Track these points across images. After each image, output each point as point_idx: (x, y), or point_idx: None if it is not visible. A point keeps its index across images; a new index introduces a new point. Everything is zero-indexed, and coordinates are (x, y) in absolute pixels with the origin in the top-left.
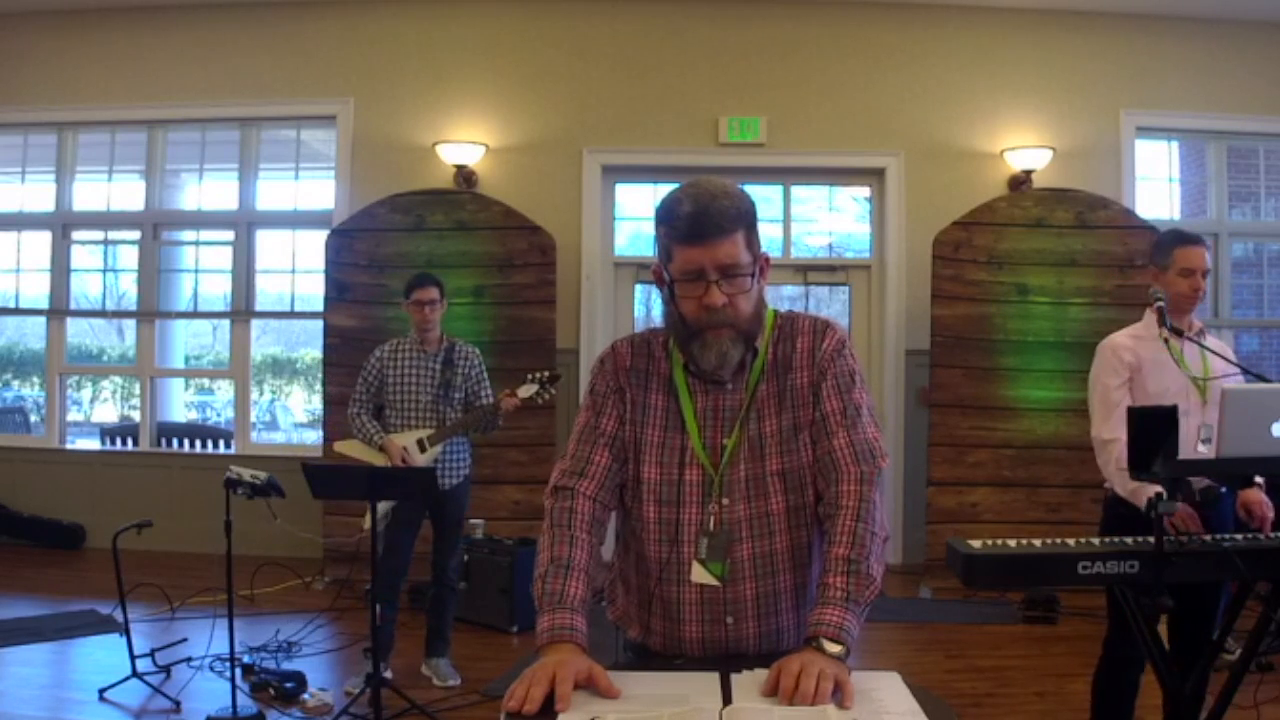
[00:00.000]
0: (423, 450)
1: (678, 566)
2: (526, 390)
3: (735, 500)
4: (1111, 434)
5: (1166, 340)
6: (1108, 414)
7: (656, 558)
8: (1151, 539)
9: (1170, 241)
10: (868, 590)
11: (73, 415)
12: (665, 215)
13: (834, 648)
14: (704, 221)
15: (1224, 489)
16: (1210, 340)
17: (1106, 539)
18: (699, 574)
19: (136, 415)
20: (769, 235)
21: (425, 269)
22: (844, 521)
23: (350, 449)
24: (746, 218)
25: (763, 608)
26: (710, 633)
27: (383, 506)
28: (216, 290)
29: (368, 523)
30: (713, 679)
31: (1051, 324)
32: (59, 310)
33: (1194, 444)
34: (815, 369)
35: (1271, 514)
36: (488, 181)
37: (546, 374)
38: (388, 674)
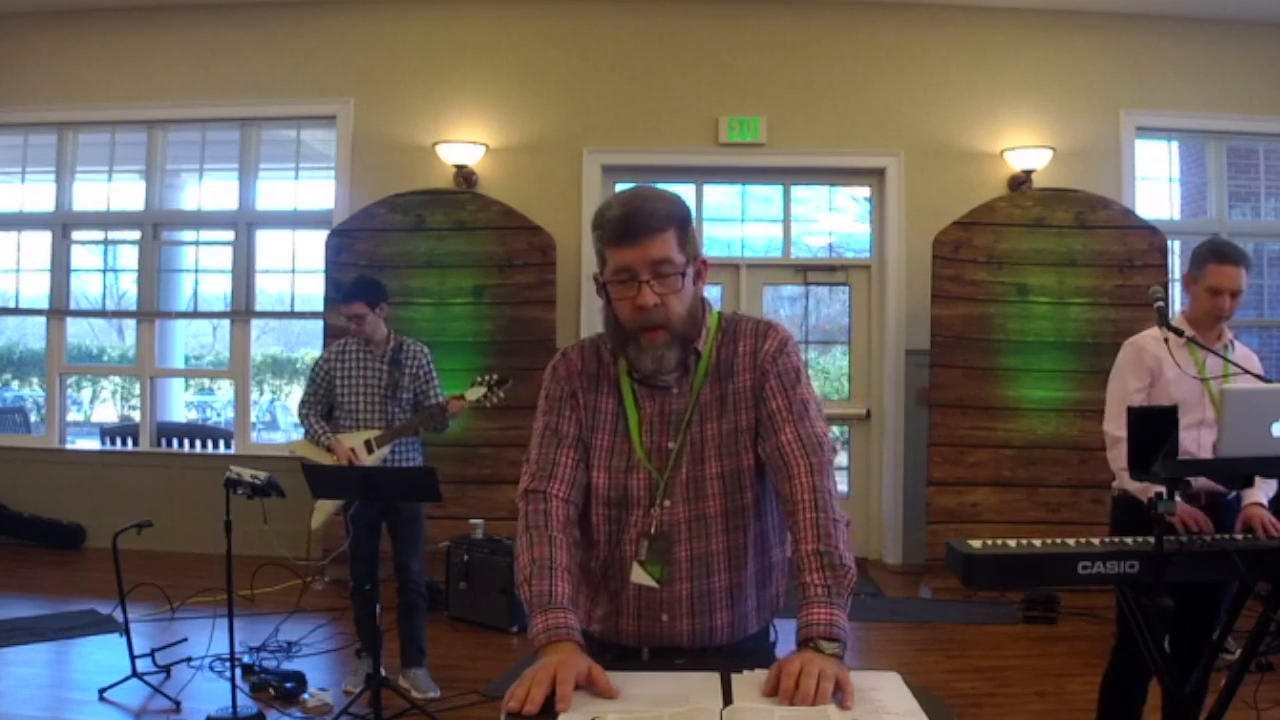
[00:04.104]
0: (370, 451)
1: (619, 566)
2: (475, 393)
3: (676, 502)
4: (1121, 431)
5: (1166, 340)
6: (1121, 411)
7: (601, 556)
8: (1152, 539)
9: (1206, 254)
10: (845, 580)
11: (73, 415)
12: (597, 221)
13: (830, 646)
14: (633, 222)
15: (1231, 494)
16: (1238, 351)
17: (1106, 539)
18: (638, 575)
19: (136, 415)
20: (769, 235)
21: (424, 268)
22: (804, 515)
23: (303, 450)
24: (677, 219)
25: (697, 606)
26: (646, 627)
27: (331, 507)
28: (216, 290)
29: (315, 522)
30: (713, 679)
31: (1051, 324)
32: (59, 310)
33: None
34: (757, 370)
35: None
36: (488, 181)
37: (495, 377)
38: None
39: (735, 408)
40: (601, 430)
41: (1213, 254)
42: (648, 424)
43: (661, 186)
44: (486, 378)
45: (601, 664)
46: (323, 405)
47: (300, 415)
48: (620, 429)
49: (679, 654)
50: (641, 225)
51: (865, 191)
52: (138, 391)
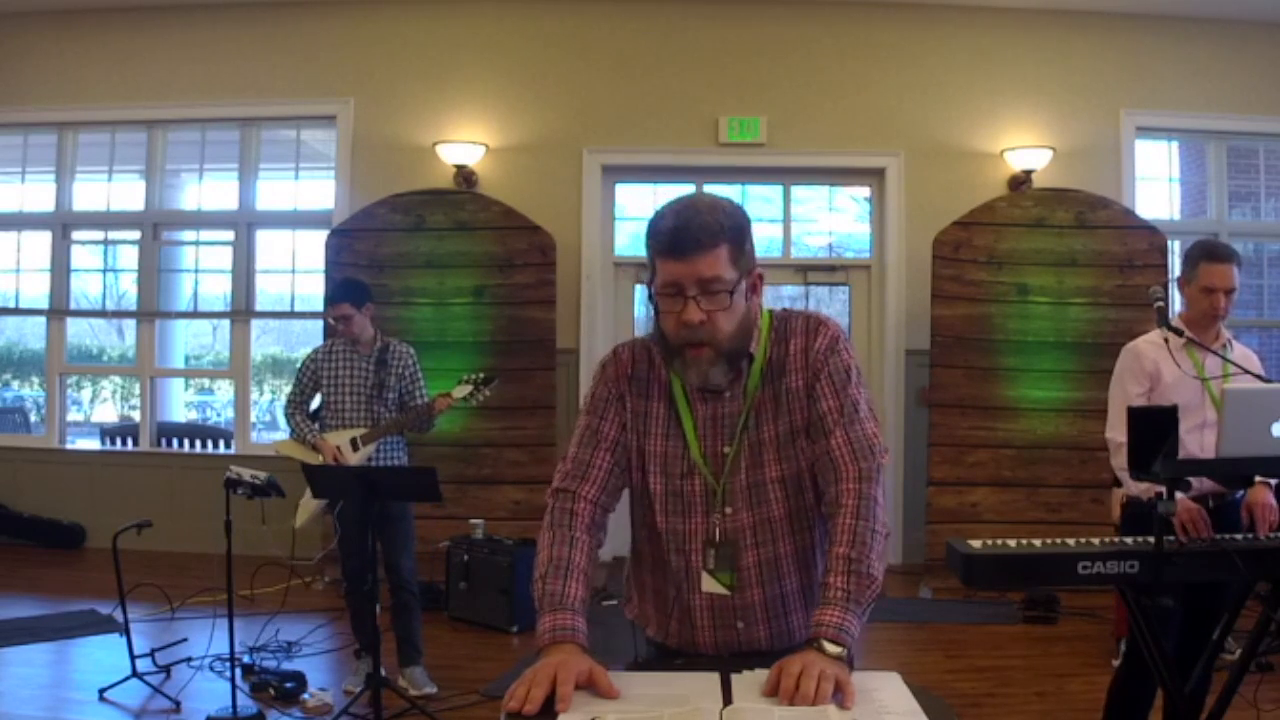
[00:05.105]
0: (356, 449)
1: (687, 575)
2: (461, 391)
3: (739, 508)
4: (1124, 436)
5: (1166, 340)
6: (1123, 417)
7: (669, 566)
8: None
9: (1197, 255)
10: (869, 590)
11: (73, 415)
12: (650, 229)
13: (834, 649)
14: (683, 236)
15: (1239, 494)
16: (1236, 351)
17: (1106, 540)
18: (709, 584)
19: (136, 415)
20: (769, 235)
21: (424, 268)
22: (844, 520)
23: (289, 449)
24: (731, 234)
25: (772, 610)
26: (723, 637)
27: (314, 505)
28: (216, 290)
29: (298, 521)
30: (713, 679)
31: (1051, 324)
32: (59, 310)
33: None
34: (809, 369)
35: (1275, 518)
36: (488, 181)
37: (481, 375)
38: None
39: (789, 408)
40: (655, 436)
41: (1204, 254)
42: (702, 428)
43: (661, 187)
44: (473, 376)
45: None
46: (307, 405)
47: (286, 415)
48: (674, 433)
49: (759, 656)
50: (692, 240)
51: (865, 191)
52: (138, 391)
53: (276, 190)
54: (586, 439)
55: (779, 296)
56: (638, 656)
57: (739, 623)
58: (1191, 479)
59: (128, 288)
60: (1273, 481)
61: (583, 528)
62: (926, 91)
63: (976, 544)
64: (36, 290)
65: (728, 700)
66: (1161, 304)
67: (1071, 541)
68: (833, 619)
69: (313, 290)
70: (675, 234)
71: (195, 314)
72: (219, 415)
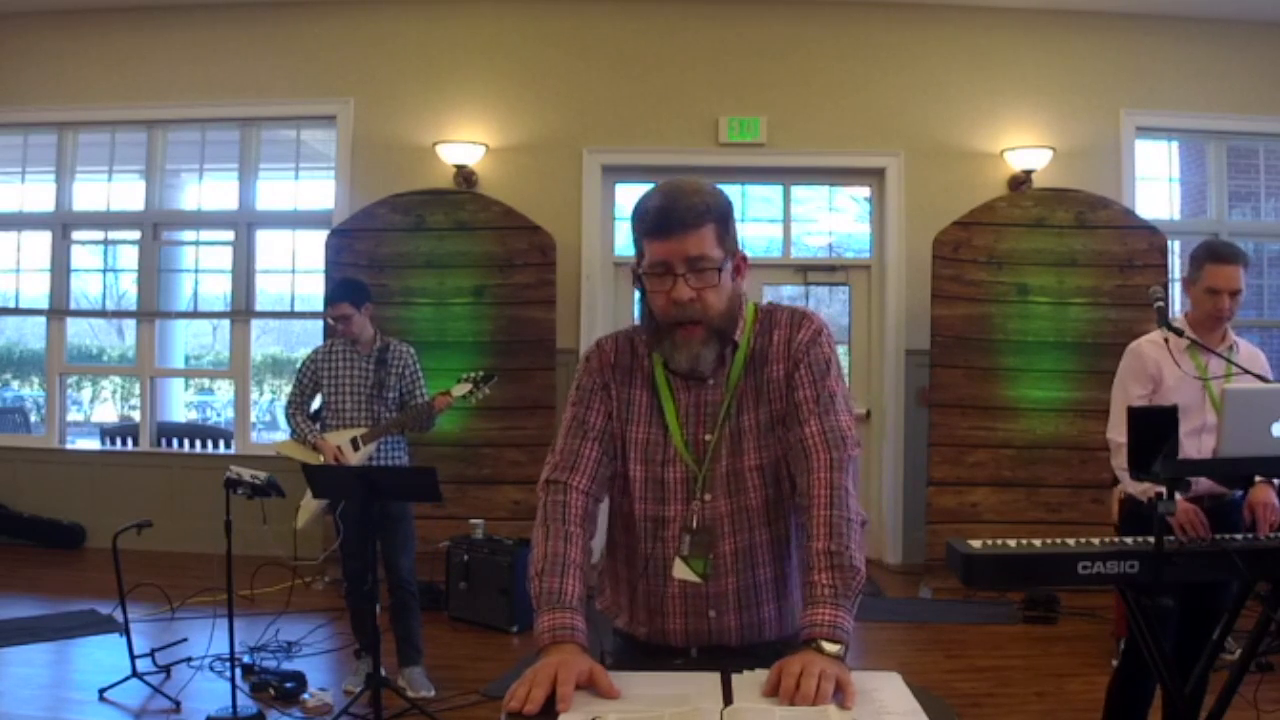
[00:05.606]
0: (356, 449)
1: (662, 562)
2: (460, 389)
3: (717, 495)
4: (1124, 437)
5: (1167, 340)
6: (1124, 417)
7: (642, 553)
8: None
9: (1202, 256)
10: (854, 582)
11: (73, 415)
12: (636, 211)
13: (832, 648)
14: (671, 216)
15: (1239, 494)
16: (1242, 352)
17: (1106, 540)
18: (681, 570)
19: (136, 415)
20: (769, 235)
21: (424, 268)
22: (818, 512)
23: (289, 449)
24: (716, 214)
25: (744, 600)
26: (694, 625)
27: (315, 506)
28: (216, 290)
29: (299, 521)
30: (713, 679)
31: (1051, 324)
32: (59, 310)
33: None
34: (790, 360)
35: (1276, 518)
36: (488, 181)
37: (480, 373)
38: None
39: (770, 397)
40: (637, 423)
41: (1209, 254)
42: (684, 415)
43: None
44: (472, 375)
45: (648, 667)
46: (308, 406)
47: (286, 415)
48: (655, 421)
49: (728, 653)
50: (678, 220)
51: (865, 191)
52: (138, 391)
53: (276, 190)
54: (574, 429)
55: (779, 297)
56: (604, 654)
57: (711, 611)
58: (1190, 479)
59: (128, 288)
60: (1275, 481)
61: (576, 521)
62: (926, 91)
63: (976, 544)
64: (36, 290)
65: (728, 700)
66: (1161, 304)
67: (1071, 541)
68: (825, 617)
69: (313, 290)
70: (662, 214)
71: (195, 314)
72: (219, 415)
